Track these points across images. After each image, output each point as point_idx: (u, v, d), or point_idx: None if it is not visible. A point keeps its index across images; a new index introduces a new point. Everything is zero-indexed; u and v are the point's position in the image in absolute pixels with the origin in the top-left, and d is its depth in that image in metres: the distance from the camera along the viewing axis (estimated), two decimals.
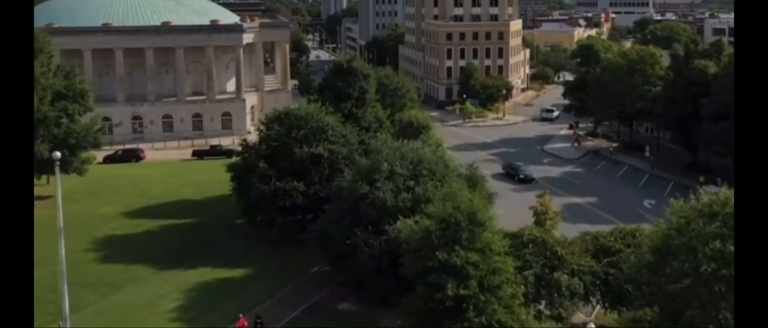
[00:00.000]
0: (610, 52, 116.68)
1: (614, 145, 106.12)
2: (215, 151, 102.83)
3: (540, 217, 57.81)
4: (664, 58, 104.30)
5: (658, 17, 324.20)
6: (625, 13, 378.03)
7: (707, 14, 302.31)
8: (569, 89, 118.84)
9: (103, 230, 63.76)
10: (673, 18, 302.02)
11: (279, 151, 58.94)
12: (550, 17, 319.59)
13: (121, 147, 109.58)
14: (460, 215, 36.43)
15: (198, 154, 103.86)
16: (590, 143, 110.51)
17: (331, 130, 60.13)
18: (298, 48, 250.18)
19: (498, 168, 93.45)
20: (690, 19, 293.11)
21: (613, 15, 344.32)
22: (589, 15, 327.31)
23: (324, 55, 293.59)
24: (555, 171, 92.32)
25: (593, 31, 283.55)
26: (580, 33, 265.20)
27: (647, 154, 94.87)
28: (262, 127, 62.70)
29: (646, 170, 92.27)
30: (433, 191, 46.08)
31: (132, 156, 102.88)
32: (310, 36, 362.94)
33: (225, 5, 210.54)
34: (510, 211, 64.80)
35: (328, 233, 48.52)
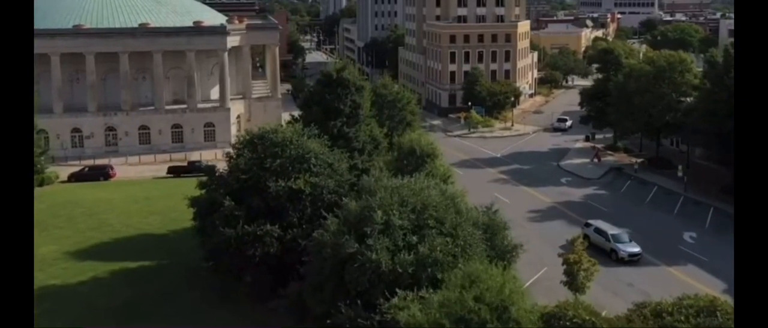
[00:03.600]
0: (633, 56, 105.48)
1: (639, 161, 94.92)
2: (193, 168, 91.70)
3: (572, 268, 46.80)
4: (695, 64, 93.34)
5: (668, 18, 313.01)
6: (630, 13, 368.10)
7: (718, 15, 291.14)
8: (586, 98, 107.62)
9: (39, 278, 52.34)
10: (683, 18, 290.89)
11: (250, 186, 47.95)
12: (555, 18, 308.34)
13: (91, 162, 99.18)
14: (485, 310, 25.48)
15: (174, 172, 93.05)
16: (611, 158, 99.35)
17: (315, 159, 49.15)
18: (294, 50, 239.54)
19: (512, 190, 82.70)
20: (701, 19, 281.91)
21: (619, 15, 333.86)
22: (595, 15, 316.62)
23: (322, 57, 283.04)
24: (576, 194, 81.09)
25: (600, 32, 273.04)
26: (588, 34, 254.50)
27: (680, 173, 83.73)
28: (231, 153, 51.71)
29: (679, 192, 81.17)
30: (444, 248, 35.15)
31: (100, 174, 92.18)
32: (308, 37, 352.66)
33: (215, 5, 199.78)
34: (527, 246, 53.92)
35: (305, 302, 37.50)
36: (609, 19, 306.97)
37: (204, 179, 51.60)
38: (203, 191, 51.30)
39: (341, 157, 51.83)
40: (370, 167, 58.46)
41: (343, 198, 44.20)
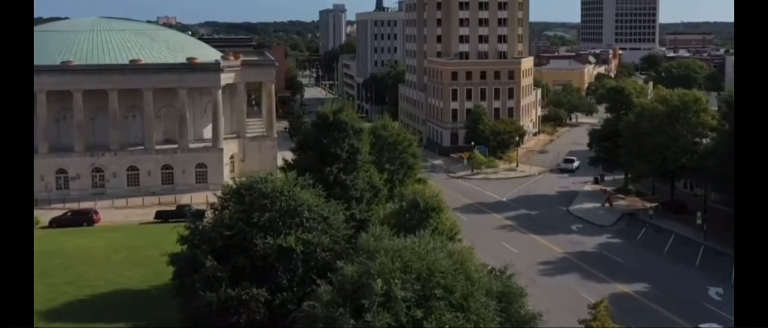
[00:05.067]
0: (644, 95, 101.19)
1: (653, 205, 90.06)
2: (182, 213, 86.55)
3: None
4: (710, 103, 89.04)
5: (671, 53, 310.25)
6: (631, 49, 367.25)
7: (722, 50, 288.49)
8: (596, 138, 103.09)
9: None
10: (687, 55, 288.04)
11: (235, 243, 43.04)
12: (556, 53, 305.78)
13: (75, 205, 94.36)
14: None
15: (162, 217, 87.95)
16: (623, 203, 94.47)
17: (308, 212, 44.28)
18: (293, 86, 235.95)
19: (519, 238, 77.77)
20: (705, 55, 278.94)
21: (620, 51, 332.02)
22: (597, 51, 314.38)
23: (321, 93, 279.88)
24: (589, 243, 76.06)
25: (602, 68, 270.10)
26: (591, 70, 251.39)
27: (699, 221, 78.81)
28: (216, 205, 46.86)
29: (699, 240, 76.18)
30: (453, 325, 30.27)
31: (83, 219, 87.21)
32: (307, 72, 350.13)
33: (213, 40, 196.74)
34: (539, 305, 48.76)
35: None
36: (610, 55, 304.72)
37: (185, 232, 46.63)
38: (184, 247, 46.34)
39: (337, 209, 46.96)
40: (369, 217, 53.92)
41: (340, 257, 39.62)
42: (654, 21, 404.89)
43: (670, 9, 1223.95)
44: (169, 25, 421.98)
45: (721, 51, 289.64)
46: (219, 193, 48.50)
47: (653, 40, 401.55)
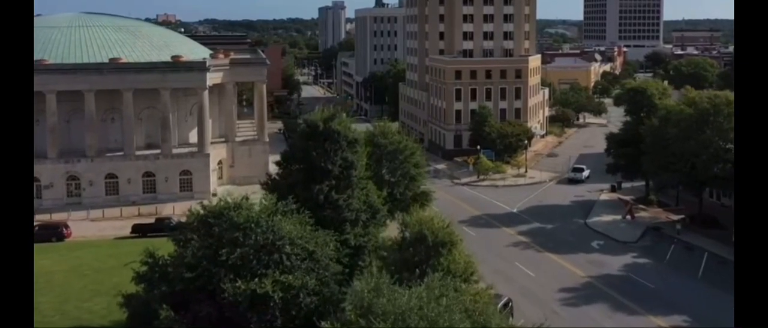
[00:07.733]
0: (666, 97, 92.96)
1: (679, 218, 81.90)
2: (162, 226, 78.73)
3: None
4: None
5: (679, 51, 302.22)
6: (635, 46, 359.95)
7: (731, 48, 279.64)
8: (614, 143, 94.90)
9: None
10: (695, 52, 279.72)
11: (199, 286, 34.96)
12: (560, 51, 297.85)
13: (47, 217, 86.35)
14: None
15: (139, 231, 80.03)
16: (645, 214, 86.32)
17: (290, 247, 36.18)
18: (289, 84, 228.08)
19: (535, 258, 69.61)
20: (714, 53, 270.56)
21: (625, 49, 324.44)
22: (602, 49, 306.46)
23: (319, 92, 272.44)
24: (613, 264, 67.66)
25: (608, 66, 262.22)
26: (597, 68, 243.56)
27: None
28: (180, 239, 38.73)
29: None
30: None
31: (52, 234, 79.07)
32: (305, 70, 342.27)
33: (206, 38, 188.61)
34: None
35: None
36: (615, 53, 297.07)
37: (142, 268, 38.53)
38: (141, 287, 38.29)
39: (326, 241, 38.88)
40: (365, 242, 46.05)
41: (328, 303, 31.74)
42: (658, 18, 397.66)
43: (672, 7, 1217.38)
44: (168, 23, 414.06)
45: (730, 49, 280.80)
46: (185, 220, 40.54)
47: (657, 38, 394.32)
